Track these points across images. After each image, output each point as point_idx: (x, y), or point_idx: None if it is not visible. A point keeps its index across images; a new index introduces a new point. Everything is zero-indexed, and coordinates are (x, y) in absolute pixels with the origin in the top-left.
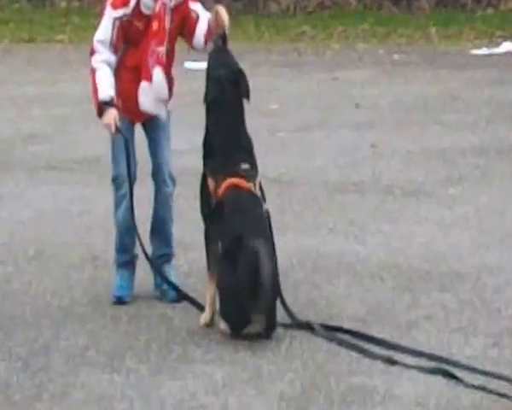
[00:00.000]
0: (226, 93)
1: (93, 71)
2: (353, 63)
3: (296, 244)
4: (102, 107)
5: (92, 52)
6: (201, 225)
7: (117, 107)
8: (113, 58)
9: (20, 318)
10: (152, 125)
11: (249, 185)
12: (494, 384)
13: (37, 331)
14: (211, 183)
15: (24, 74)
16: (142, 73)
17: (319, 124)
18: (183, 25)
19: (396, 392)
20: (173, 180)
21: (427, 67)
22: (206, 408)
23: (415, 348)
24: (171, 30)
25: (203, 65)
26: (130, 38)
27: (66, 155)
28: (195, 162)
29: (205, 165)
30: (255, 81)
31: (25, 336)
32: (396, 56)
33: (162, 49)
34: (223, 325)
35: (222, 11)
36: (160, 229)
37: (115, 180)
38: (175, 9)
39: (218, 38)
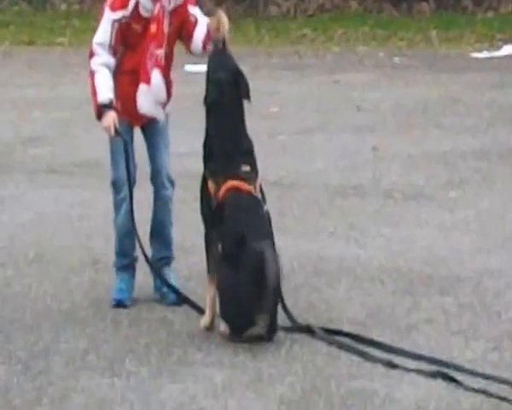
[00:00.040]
0: (226, 95)
1: (92, 73)
2: (354, 66)
3: (296, 248)
4: (101, 109)
5: (91, 54)
6: (202, 229)
7: (116, 109)
8: (112, 60)
9: (21, 321)
10: (150, 129)
11: (250, 188)
12: (494, 388)
13: (37, 335)
14: (211, 185)
15: (24, 77)
16: (141, 76)
17: (320, 127)
18: (182, 28)
19: (396, 396)
20: (172, 183)
21: (427, 71)
22: None
23: (415, 351)
24: (169, 33)
25: (203, 68)
26: (129, 40)
27: (67, 158)
28: (196, 165)
29: (205, 167)
30: (255, 84)
31: (25, 339)
32: (396, 59)
33: (161, 52)
34: (223, 327)
35: (223, 17)
36: (160, 232)
37: (115, 184)
38: (173, 12)
39: (219, 41)
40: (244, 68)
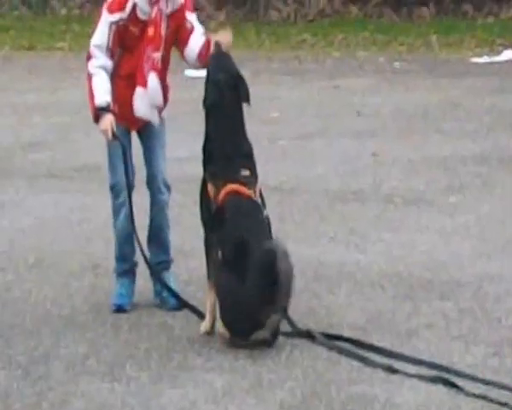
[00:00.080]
0: (225, 97)
1: (89, 76)
2: (354, 71)
3: (297, 253)
4: (99, 112)
5: (89, 57)
6: (201, 233)
7: (113, 112)
8: (109, 63)
9: (21, 326)
10: (147, 133)
11: (249, 192)
12: (495, 393)
13: (37, 339)
14: (211, 188)
15: (24, 82)
16: (138, 79)
17: (320, 132)
18: (178, 32)
19: (396, 401)
20: (168, 188)
21: (427, 75)
22: None
23: (415, 356)
24: (166, 36)
25: (203, 73)
26: (126, 43)
27: (67, 162)
28: (195, 170)
29: (205, 170)
30: (256, 89)
31: (25, 344)
32: (397, 64)
33: (158, 55)
34: (222, 329)
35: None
36: (158, 236)
37: (113, 188)
38: (171, 16)
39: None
40: (244, 73)
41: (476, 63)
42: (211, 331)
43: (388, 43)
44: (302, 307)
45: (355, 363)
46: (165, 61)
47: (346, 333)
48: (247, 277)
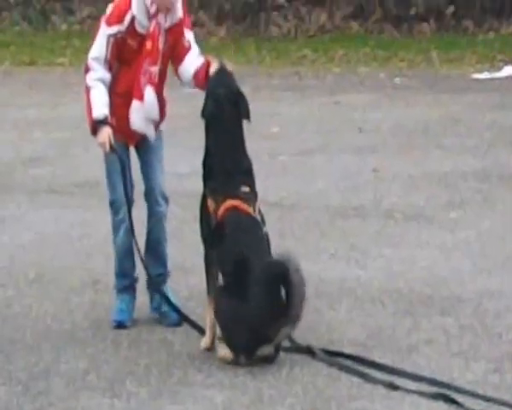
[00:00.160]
0: (225, 111)
1: (87, 89)
2: (354, 87)
3: None
4: (97, 125)
5: (87, 70)
6: (202, 250)
7: (111, 125)
8: (107, 75)
9: (21, 341)
10: (144, 147)
11: (249, 209)
12: None
13: (37, 355)
14: (211, 203)
15: (25, 97)
16: (134, 92)
17: (320, 148)
18: (174, 48)
19: None
20: (166, 200)
21: (428, 91)
22: None
23: (416, 372)
24: (164, 51)
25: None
26: (124, 56)
27: (68, 178)
28: (195, 185)
29: (205, 186)
30: (256, 105)
31: (25, 359)
32: (397, 80)
33: (155, 69)
34: (223, 352)
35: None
36: (155, 249)
37: (113, 205)
38: (169, 30)
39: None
40: (245, 89)
41: (477, 79)
42: (211, 347)
43: (389, 59)
44: (303, 322)
45: (355, 379)
46: (163, 75)
47: (347, 349)
48: (252, 293)
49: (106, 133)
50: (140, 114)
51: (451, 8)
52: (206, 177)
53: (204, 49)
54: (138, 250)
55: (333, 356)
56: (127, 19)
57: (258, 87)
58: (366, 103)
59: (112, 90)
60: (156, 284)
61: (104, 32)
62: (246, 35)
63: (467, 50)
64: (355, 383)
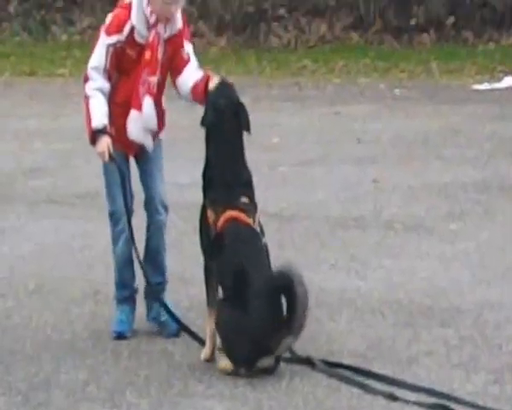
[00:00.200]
0: (225, 120)
1: (86, 98)
2: (355, 98)
3: None
4: (95, 135)
5: (86, 79)
6: (202, 260)
7: (110, 135)
8: (106, 85)
9: (21, 352)
10: (143, 156)
11: (249, 220)
12: None
13: (37, 366)
14: (210, 214)
15: (25, 108)
16: (132, 102)
17: (320, 158)
18: (173, 59)
19: None
20: (166, 209)
21: (428, 102)
22: None
23: (416, 383)
24: (163, 61)
25: None
26: (123, 66)
27: (68, 189)
28: (196, 196)
29: (205, 197)
30: (256, 116)
31: (25, 370)
32: (397, 91)
33: (154, 80)
34: (224, 364)
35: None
36: (154, 258)
37: (112, 216)
38: (168, 41)
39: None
40: (245, 99)
41: (477, 90)
42: (211, 358)
43: (389, 70)
44: (303, 333)
45: (355, 390)
46: (161, 85)
47: (347, 360)
48: (253, 304)
49: (105, 143)
50: (138, 124)
51: (451, 19)
52: (206, 188)
53: (204, 60)
54: (138, 256)
55: (333, 367)
56: (126, 29)
57: (258, 98)
58: (366, 114)
59: (111, 100)
60: (155, 292)
61: (103, 41)
62: (246, 46)
63: (467, 61)
64: (355, 393)
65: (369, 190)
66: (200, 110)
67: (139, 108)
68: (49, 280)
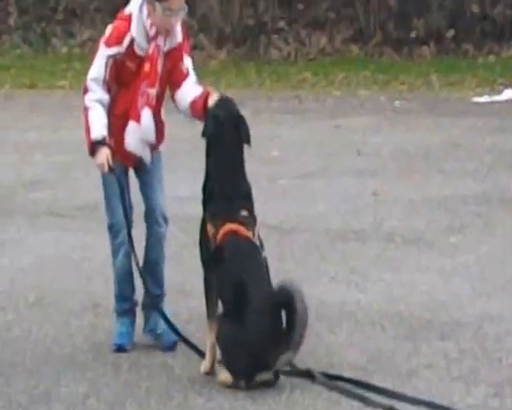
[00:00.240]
0: (225, 132)
1: (86, 110)
2: (355, 110)
3: None
4: (95, 146)
5: (85, 91)
6: (202, 272)
7: (110, 146)
8: (106, 97)
9: (21, 365)
10: (143, 168)
11: (248, 234)
12: None
13: (37, 378)
14: (210, 228)
15: (25, 120)
16: (131, 113)
17: (320, 171)
18: (173, 72)
19: None
20: (166, 220)
21: (428, 115)
22: None
23: (416, 396)
24: (162, 74)
25: None
26: (123, 78)
27: (68, 201)
28: (196, 209)
29: (205, 210)
30: (256, 128)
31: (25, 383)
32: (397, 103)
33: (153, 92)
34: (223, 377)
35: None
36: (153, 270)
37: (112, 229)
38: (168, 54)
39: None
40: (245, 112)
41: (477, 102)
42: (211, 371)
43: (389, 83)
44: (302, 346)
45: (355, 403)
46: (160, 98)
47: (347, 373)
48: (252, 319)
49: (104, 154)
50: (136, 136)
51: (452, 32)
52: (206, 201)
53: (204, 73)
54: (137, 264)
55: (333, 380)
56: (126, 41)
57: (258, 110)
58: (366, 127)
59: (110, 112)
60: (157, 304)
61: (103, 53)
62: (246, 58)
63: (467, 74)
64: (355, 406)
65: (369, 202)
66: (200, 123)
67: (138, 119)
68: (49, 293)
